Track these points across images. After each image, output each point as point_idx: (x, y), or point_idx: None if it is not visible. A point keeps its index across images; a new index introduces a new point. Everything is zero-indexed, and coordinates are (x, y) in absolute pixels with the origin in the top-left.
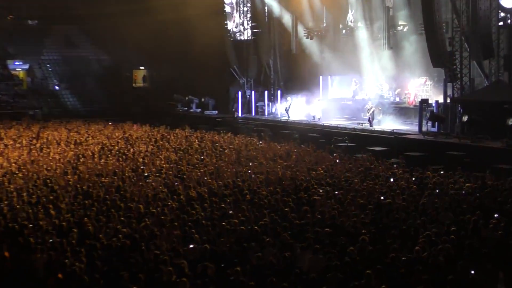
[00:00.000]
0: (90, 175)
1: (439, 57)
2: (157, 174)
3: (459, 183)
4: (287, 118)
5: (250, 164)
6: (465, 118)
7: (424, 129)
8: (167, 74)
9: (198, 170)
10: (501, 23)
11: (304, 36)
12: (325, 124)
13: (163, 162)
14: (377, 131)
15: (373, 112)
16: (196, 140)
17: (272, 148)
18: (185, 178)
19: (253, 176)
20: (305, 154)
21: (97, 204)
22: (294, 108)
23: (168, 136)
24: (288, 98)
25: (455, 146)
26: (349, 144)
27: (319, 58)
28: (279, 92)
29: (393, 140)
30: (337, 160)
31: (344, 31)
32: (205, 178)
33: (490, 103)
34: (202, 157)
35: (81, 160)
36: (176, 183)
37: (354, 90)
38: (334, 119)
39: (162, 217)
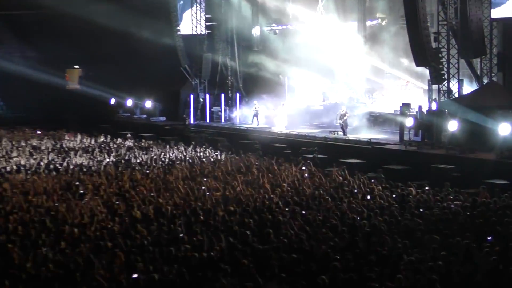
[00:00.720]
0: (15, 193)
1: (423, 55)
2: (95, 192)
3: (447, 201)
4: (256, 125)
5: (205, 179)
6: (453, 126)
7: (406, 138)
8: (106, 74)
9: (143, 186)
10: (494, 16)
11: (267, 30)
12: (291, 133)
13: (101, 177)
14: (352, 140)
15: (347, 118)
16: (141, 152)
17: (230, 160)
18: (127, 196)
19: (207, 193)
20: (268, 167)
21: (23, 227)
22: (254, 114)
23: (108, 147)
24: (255, 102)
25: (442, 158)
26: (319, 156)
27: (284, 55)
28: (237, 95)
29: (370, 151)
30: (306, 175)
31: (313, 24)
32: (152, 195)
33: (482, 108)
34: (147, 171)
35: (5, 176)
36: (117, 202)
37: (323, 93)
38: (302, 127)
39: (101, 242)
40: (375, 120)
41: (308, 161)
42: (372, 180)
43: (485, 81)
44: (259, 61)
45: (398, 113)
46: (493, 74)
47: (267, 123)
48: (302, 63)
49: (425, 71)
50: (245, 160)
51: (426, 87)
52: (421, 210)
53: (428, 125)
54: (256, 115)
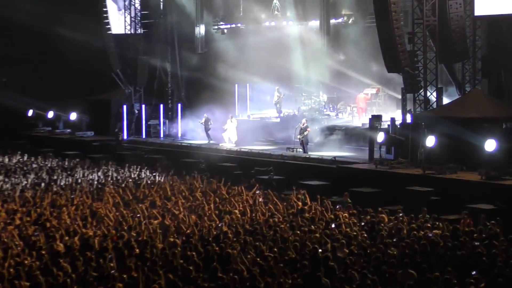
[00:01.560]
0: None
1: (396, 58)
2: (9, 221)
3: (424, 230)
4: (207, 141)
5: (140, 205)
6: (430, 142)
7: (376, 156)
8: (22, 81)
9: (67, 214)
10: (478, 13)
11: (214, 29)
12: (242, 150)
13: (17, 203)
14: (314, 159)
15: (307, 133)
16: (64, 173)
17: (170, 183)
18: (48, 226)
19: (144, 222)
20: (215, 191)
21: None
22: (203, 128)
23: (25, 168)
24: (205, 115)
25: (418, 179)
26: (275, 178)
27: (234, 59)
28: (179, 106)
29: (335, 171)
30: (260, 199)
31: (267, 23)
32: (77, 225)
33: (465, 121)
34: (72, 197)
35: None
36: (35, 233)
37: (276, 103)
38: (255, 143)
39: (16, 281)
40: (341, 135)
41: (262, 183)
42: (337, 206)
43: (468, 89)
44: (204, 66)
45: (367, 126)
46: (476, 81)
47: (214, 139)
48: (255, 68)
49: (399, 78)
50: (188, 183)
51: (400, 96)
52: (394, 240)
53: (401, 140)
54: (206, 129)
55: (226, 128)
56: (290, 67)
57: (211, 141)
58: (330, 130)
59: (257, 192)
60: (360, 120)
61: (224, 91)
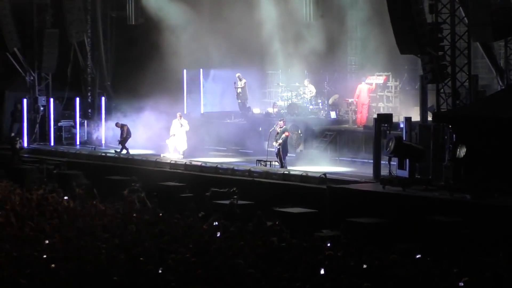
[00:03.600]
0: None
1: (412, 34)
2: None
3: (452, 278)
4: (125, 152)
5: (46, 241)
6: (461, 152)
7: (384, 172)
8: None
9: None
10: None
11: None
12: (193, 163)
13: None
14: (295, 176)
15: (286, 139)
16: None
17: (91, 211)
18: None
19: (53, 265)
20: (155, 222)
21: None
22: (138, 134)
23: None
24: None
25: (443, 206)
26: (239, 203)
27: (182, 34)
28: (103, 100)
29: (325, 194)
30: (218, 234)
31: None
32: None
33: (509, 123)
34: None
35: None
36: None
37: (239, 97)
38: (212, 154)
39: None
40: (334, 142)
41: (221, 211)
42: (328, 244)
43: None
44: (139, 44)
45: (371, 130)
46: None
47: (153, 148)
48: (214, 49)
49: (416, 62)
50: (119, 210)
51: (417, 88)
52: None
53: (420, 150)
54: (125, 139)
55: (173, 133)
56: (261, 46)
57: (123, 152)
58: (319, 136)
59: (215, 224)
60: (361, 121)
61: (168, 80)
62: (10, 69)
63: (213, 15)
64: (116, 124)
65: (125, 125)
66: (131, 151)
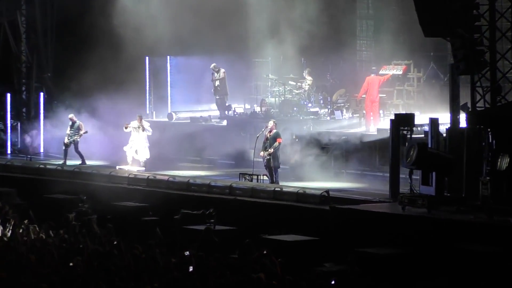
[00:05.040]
0: None
1: (438, 12)
2: None
3: None
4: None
5: None
6: (504, 163)
7: (404, 189)
8: None
9: None
10: None
11: None
12: (158, 177)
13: None
14: (290, 194)
15: (278, 147)
16: None
17: (28, 239)
18: None
19: None
20: (110, 254)
21: None
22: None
23: None
24: (71, 116)
25: (479, 232)
26: (218, 228)
27: (144, 12)
28: (41, 96)
29: (328, 216)
30: (190, 269)
31: None
32: None
33: None
34: None
35: None
36: None
37: (216, 92)
38: (183, 165)
39: None
40: (339, 150)
41: (195, 238)
42: (333, 282)
43: None
44: (88, 24)
45: (387, 135)
46: None
47: (107, 158)
48: (184, 30)
49: (444, 47)
50: (62, 238)
51: (446, 80)
52: None
53: (449, 160)
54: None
55: (132, 139)
56: (245, 26)
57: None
58: (320, 142)
59: (186, 253)
60: (373, 123)
61: (126, 70)
62: None
63: None
64: (71, 119)
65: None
66: (74, 162)
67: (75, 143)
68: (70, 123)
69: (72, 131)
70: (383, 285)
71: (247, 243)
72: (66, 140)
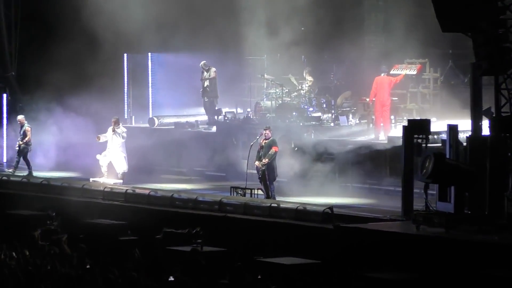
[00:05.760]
0: None
1: (458, 4)
2: None
3: None
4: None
5: None
6: None
7: (418, 205)
8: None
9: None
10: None
11: None
12: (137, 191)
13: None
14: (288, 210)
15: (274, 155)
16: None
17: None
18: None
19: None
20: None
21: None
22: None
23: None
24: (19, 118)
25: (505, 255)
26: (205, 250)
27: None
28: (4, 97)
29: (332, 236)
30: None
31: None
32: None
33: None
34: None
35: None
36: None
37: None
38: (165, 177)
39: None
40: (344, 161)
41: (181, 262)
42: None
43: None
44: (58, 16)
45: (398, 143)
46: None
47: (79, 169)
48: (168, 24)
49: (464, 44)
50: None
51: (466, 83)
52: None
53: (471, 173)
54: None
55: (108, 146)
56: (237, 20)
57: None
58: (323, 152)
59: (171, 279)
60: (384, 130)
61: (101, 68)
62: None
63: None
64: (20, 121)
65: (30, 126)
66: (44, 174)
67: (24, 152)
68: (20, 126)
69: (20, 136)
70: None
71: (239, 267)
72: (19, 142)
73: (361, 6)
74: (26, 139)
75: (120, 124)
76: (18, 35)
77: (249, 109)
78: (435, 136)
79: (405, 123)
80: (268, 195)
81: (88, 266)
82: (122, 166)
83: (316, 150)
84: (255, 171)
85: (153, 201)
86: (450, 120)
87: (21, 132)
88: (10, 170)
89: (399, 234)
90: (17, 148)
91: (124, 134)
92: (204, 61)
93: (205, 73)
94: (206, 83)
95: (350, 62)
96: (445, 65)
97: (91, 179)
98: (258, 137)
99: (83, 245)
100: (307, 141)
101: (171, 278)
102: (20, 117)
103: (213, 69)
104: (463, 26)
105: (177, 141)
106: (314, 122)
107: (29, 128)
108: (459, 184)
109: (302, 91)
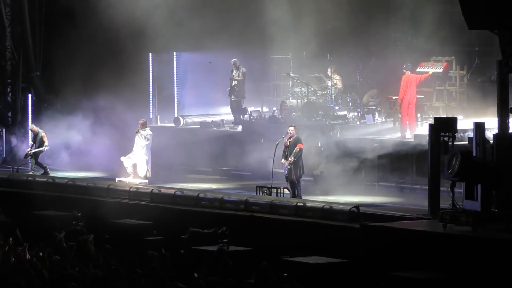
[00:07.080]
0: None
1: (485, 1)
2: None
3: None
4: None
5: None
6: None
7: (445, 204)
8: None
9: None
10: None
11: None
12: (163, 191)
13: None
14: (315, 210)
15: (299, 153)
16: None
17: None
18: None
19: None
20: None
21: None
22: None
23: None
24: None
25: None
26: (232, 249)
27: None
28: (29, 98)
29: (358, 235)
30: None
31: None
32: None
33: None
34: None
35: None
36: None
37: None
38: (191, 177)
39: None
40: (371, 160)
41: (207, 262)
42: None
43: None
44: (83, 16)
45: (424, 142)
46: None
47: (105, 169)
48: (193, 23)
49: (492, 41)
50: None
51: (493, 80)
52: None
53: (498, 172)
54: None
55: (133, 148)
56: (262, 18)
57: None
58: (349, 150)
59: (195, 275)
60: (410, 128)
61: (126, 68)
62: None
63: None
64: (32, 129)
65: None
66: (69, 174)
67: (36, 155)
68: (32, 134)
69: (36, 143)
70: None
71: (265, 266)
72: (27, 151)
73: (387, 4)
74: (44, 146)
75: (147, 127)
76: (43, 35)
77: (274, 108)
78: (462, 134)
79: (432, 121)
80: (295, 194)
81: (113, 267)
82: (142, 169)
83: (341, 148)
84: (281, 170)
85: (178, 201)
86: (477, 118)
87: (37, 140)
88: (41, 172)
89: (426, 233)
90: (30, 156)
91: (149, 137)
92: (235, 59)
93: (235, 71)
94: (235, 82)
95: (376, 60)
96: (471, 62)
97: (116, 179)
98: (283, 136)
99: (109, 246)
100: (333, 140)
101: (196, 274)
102: (33, 126)
103: (243, 69)
104: (490, 23)
105: (203, 141)
106: (340, 121)
107: (45, 134)
108: (485, 182)
109: (329, 89)
